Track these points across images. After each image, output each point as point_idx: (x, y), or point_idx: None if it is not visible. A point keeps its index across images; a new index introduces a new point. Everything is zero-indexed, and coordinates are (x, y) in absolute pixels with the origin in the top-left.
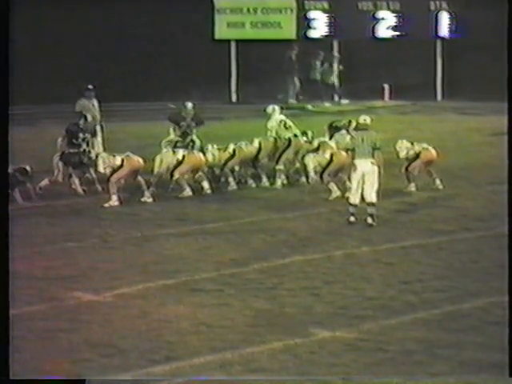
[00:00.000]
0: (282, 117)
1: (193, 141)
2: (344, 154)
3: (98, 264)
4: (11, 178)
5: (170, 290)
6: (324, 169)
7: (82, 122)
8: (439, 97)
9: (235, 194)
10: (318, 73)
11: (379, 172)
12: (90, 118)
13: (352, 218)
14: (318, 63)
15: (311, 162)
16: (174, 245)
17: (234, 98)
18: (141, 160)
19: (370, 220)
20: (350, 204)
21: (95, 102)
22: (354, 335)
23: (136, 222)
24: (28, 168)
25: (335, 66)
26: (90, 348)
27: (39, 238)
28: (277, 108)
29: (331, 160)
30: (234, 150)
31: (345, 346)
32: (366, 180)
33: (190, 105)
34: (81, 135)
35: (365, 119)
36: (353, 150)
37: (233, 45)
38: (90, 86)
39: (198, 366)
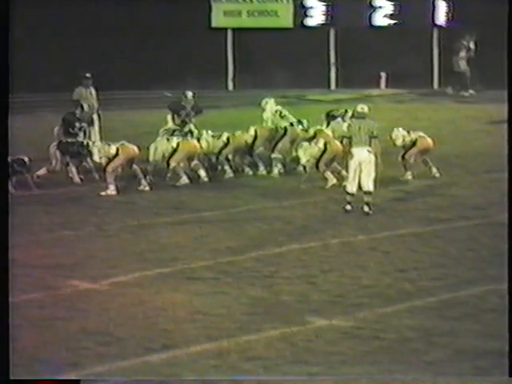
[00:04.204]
0: (278, 107)
1: (191, 131)
2: (338, 143)
3: (95, 252)
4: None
5: (166, 278)
6: (319, 158)
7: (78, 111)
8: (436, 85)
9: (232, 183)
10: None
11: (376, 160)
12: (86, 107)
13: (348, 207)
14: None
15: (303, 155)
16: (170, 233)
17: (230, 87)
18: (136, 148)
19: (366, 208)
20: (347, 192)
21: (93, 91)
22: (350, 323)
23: (133, 210)
24: (26, 159)
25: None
26: (86, 336)
27: (36, 227)
28: (270, 100)
29: (325, 149)
30: (228, 138)
31: (341, 334)
32: (362, 168)
33: (190, 94)
34: (77, 124)
35: (362, 108)
36: (349, 138)
37: (229, 33)
38: (88, 75)
39: (195, 354)
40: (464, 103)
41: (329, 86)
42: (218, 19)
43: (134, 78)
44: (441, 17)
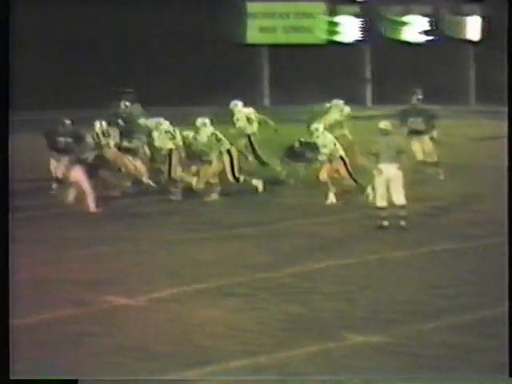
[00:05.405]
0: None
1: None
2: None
3: (131, 268)
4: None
5: (202, 294)
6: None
7: (60, 127)
8: (472, 101)
9: (267, 199)
10: None
11: (404, 175)
12: (68, 122)
13: (385, 223)
14: None
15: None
16: (206, 249)
17: (266, 102)
18: None
19: (402, 222)
20: (379, 208)
21: (137, 106)
22: (387, 340)
23: (167, 226)
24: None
25: None
26: (123, 352)
27: (72, 242)
28: (207, 121)
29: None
30: (198, 171)
31: (378, 351)
32: (391, 185)
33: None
34: (61, 140)
35: (386, 125)
36: (376, 155)
37: (265, 49)
38: (130, 90)
39: (232, 369)
40: (499, 120)
41: (364, 103)
42: (253, 35)
43: (170, 93)
44: (476, 32)
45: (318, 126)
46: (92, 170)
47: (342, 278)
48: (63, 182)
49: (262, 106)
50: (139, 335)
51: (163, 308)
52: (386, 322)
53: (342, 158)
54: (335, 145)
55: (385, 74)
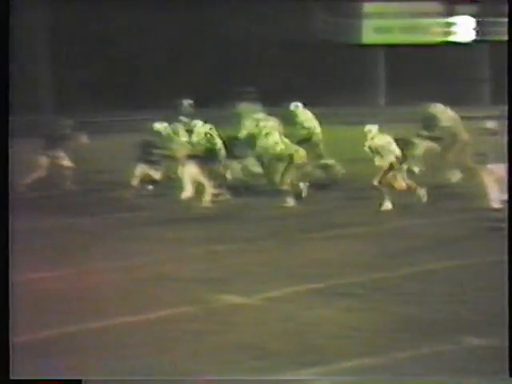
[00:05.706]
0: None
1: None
2: None
3: (246, 267)
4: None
5: (317, 293)
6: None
7: (156, 138)
8: None
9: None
10: None
11: None
12: (164, 133)
13: (501, 224)
14: None
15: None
16: (320, 248)
17: (382, 102)
18: None
19: None
20: (493, 209)
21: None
22: (504, 344)
23: (281, 225)
24: None
25: None
26: (239, 350)
27: (188, 241)
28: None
29: None
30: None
31: (495, 355)
32: (501, 185)
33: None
34: (155, 151)
35: (492, 125)
36: (484, 155)
37: (381, 49)
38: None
39: (347, 369)
40: None
41: (481, 102)
42: (368, 36)
43: (285, 94)
44: None
45: (372, 127)
46: (204, 162)
47: (457, 279)
48: (171, 181)
49: (377, 106)
50: (255, 334)
51: (278, 307)
52: (503, 325)
53: (391, 163)
54: (391, 147)
55: (503, 74)
